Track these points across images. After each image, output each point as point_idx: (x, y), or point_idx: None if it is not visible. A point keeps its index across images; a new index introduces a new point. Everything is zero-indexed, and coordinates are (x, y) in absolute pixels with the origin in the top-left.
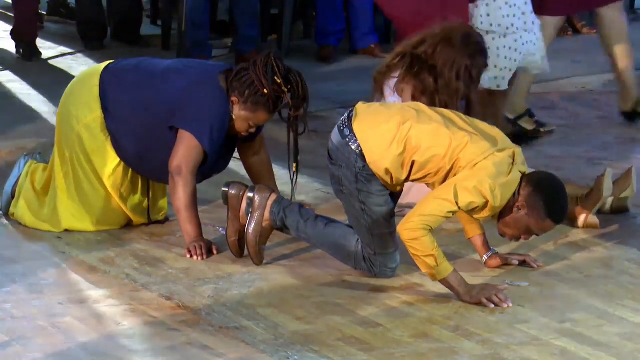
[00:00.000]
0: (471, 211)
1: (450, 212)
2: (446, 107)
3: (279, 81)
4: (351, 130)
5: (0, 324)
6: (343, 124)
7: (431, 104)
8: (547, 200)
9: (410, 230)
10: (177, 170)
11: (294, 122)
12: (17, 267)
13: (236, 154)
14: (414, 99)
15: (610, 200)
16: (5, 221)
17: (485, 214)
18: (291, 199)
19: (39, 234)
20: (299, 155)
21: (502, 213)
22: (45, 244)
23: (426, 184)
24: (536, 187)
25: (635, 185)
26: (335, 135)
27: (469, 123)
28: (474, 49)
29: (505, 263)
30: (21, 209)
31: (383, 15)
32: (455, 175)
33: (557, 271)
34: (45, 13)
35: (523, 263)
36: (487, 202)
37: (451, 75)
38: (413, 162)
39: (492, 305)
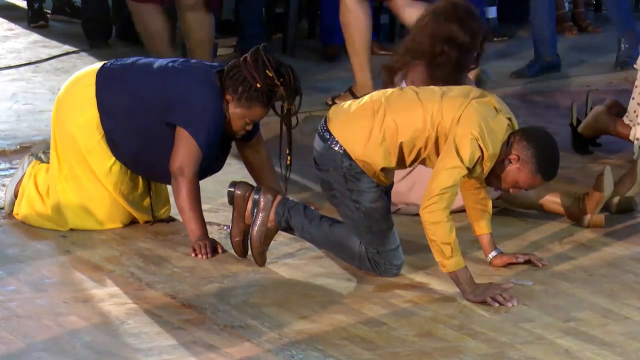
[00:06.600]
0: (475, 168)
1: (462, 175)
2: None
3: (270, 74)
4: (331, 134)
5: (6, 323)
6: (322, 129)
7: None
8: (541, 156)
9: (433, 212)
10: (179, 171)
11: (287, 115)
12: (22, 266)
13: (238, 154)
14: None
15: (616, 200)
16: (9, 220)
17: (487, 163)
18: (284, 192)
19: (44, 233)
20: (291, 149)
21: (494, 164)
22: (50, 243)
23: (423, 162)
24: (531, 142)
25: None
26: (317, 142)
27: (438, 87)
28: (461, 15)
29: (510, 262)
30: (25, 209)
31: (387, 13)
32: (446, 139)
33: (562, 270)
34: (50, 11)
35: (528, 262)
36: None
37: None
38: (401, 145)
39: (497, 304)
